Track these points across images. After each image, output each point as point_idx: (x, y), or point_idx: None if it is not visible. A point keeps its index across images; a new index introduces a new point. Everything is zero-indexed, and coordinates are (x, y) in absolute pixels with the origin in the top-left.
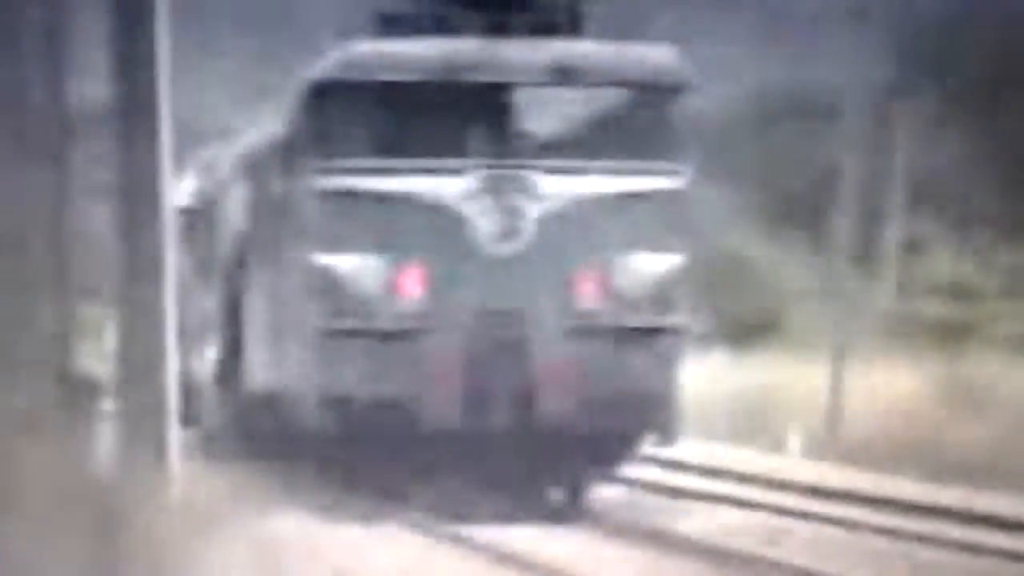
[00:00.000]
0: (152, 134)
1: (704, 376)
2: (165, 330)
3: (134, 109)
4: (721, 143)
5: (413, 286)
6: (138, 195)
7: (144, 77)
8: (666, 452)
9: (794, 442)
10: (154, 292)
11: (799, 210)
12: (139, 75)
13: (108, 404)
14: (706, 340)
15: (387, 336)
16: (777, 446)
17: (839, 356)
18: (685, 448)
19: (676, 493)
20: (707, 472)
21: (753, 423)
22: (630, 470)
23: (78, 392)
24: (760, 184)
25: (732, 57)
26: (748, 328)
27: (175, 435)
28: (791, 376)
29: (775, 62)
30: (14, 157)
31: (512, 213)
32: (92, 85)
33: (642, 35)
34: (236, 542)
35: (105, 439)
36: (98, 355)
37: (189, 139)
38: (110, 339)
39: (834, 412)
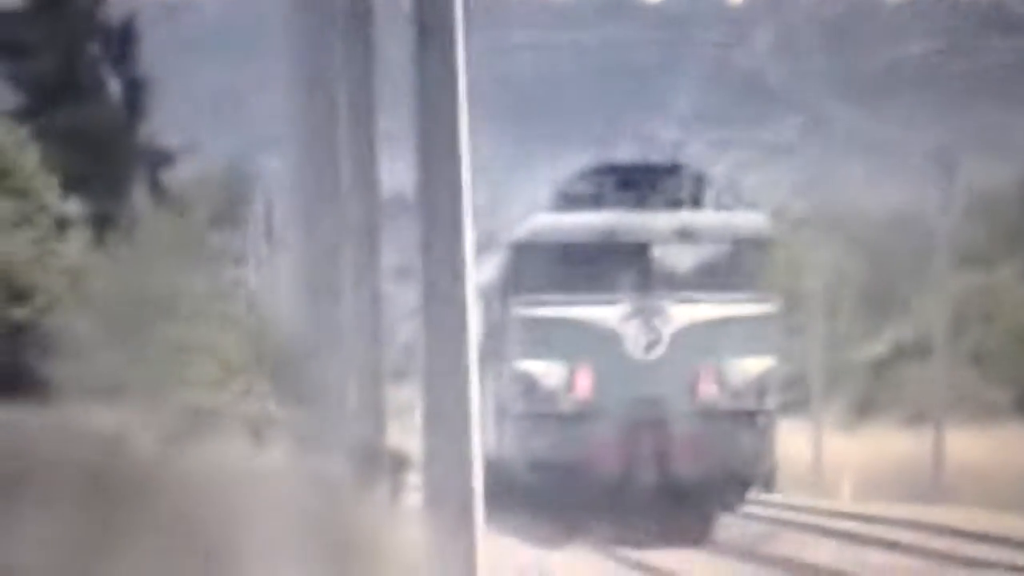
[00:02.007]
0: (455, 221)
1: (995, 445)
2: (469, 406)
3: (438, 197)
4: (1017, 216)
5: (584, 382)
6: (441, 278)
7: (448, 169)
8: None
9: None
10: (457, 371)
11: None
12: (443, 166)
13: (415, 477)
14: (1000, 412)
15: (566, 418)
16: None
17: None
18: (956, 515)
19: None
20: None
21: None
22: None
23: (388, 466)
24: None
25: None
26: None
27: (479, 504)
28: None
29: None
30: (333, 241)
31: (653, 331)
32: (401, 173)
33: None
34: None
35: (412, 511)
36: (408, 431)
37: None
38: (418, 416)
39: None
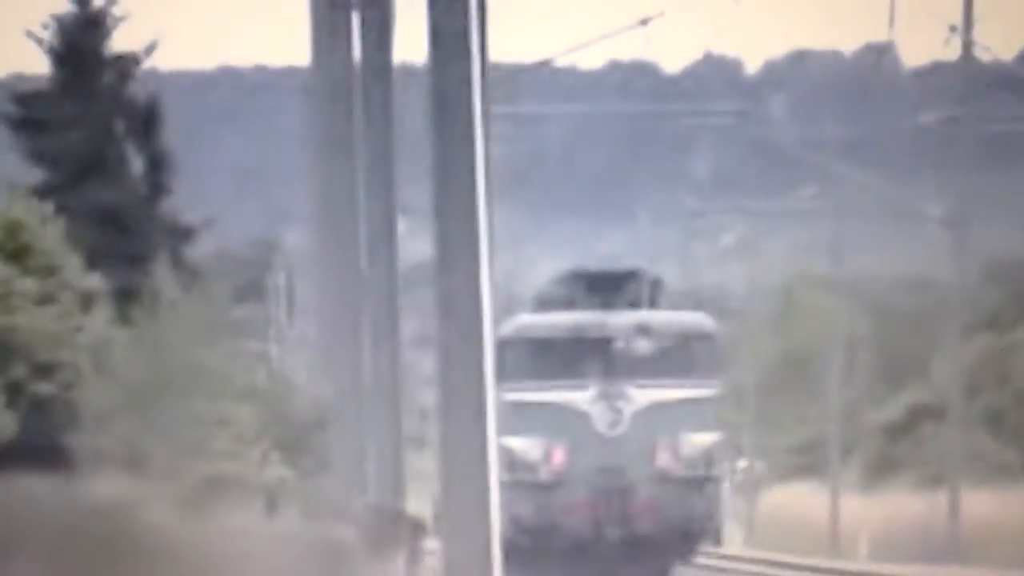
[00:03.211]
0: (474, 290)
1: (1010, 506)
2: (488, 472)
3: (457, 267)
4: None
5: (559, 455)
6: (460, 346)
7: (466, 239)
8: None
9: None
10: (477, 438)
11: None
12: (461, 237)
13: (433, 543)
14: (1014, 472)
15: (544, 486)
16: None
17: None
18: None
19: None
20: None
21: None
22: None
23: (406, 532)
24: None
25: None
26: None
27: (498, 569)
28: None
29: None
30: (353, 311)
31: (616, 411)
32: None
33: None
34: None
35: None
36: (426, 497)
37: None
38: (435, 482)
39: None
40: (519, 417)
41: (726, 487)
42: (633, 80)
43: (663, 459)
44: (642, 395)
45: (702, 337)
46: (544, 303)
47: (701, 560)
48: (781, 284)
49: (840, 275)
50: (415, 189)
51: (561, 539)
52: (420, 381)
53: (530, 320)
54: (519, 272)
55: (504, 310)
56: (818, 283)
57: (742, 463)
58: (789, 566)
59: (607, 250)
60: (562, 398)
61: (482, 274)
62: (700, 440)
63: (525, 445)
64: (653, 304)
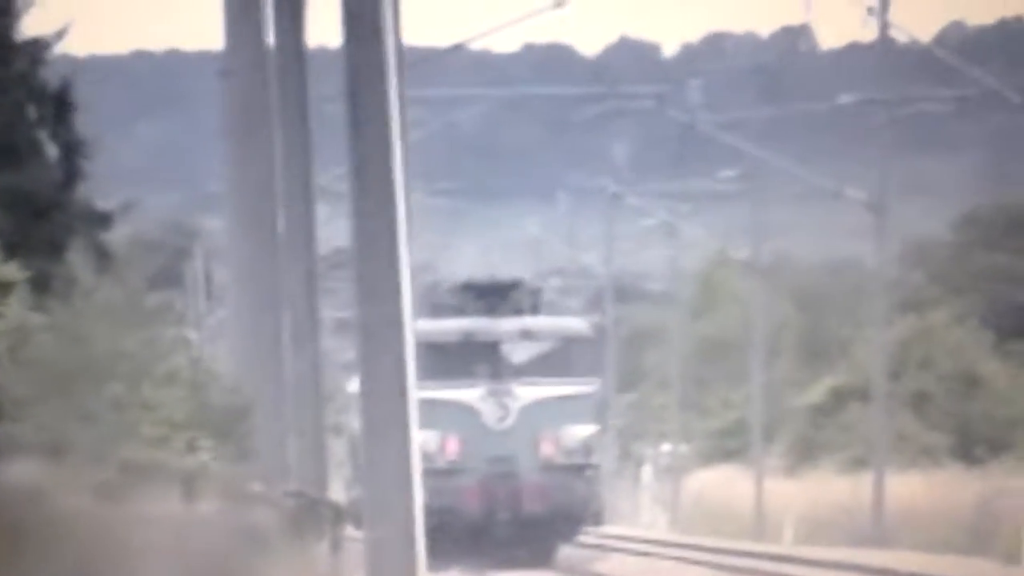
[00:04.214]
0: (392, 274)
1: (935, 489)
2: (410, 455)
3: (375, 251)
4: (950, 261)
5: (452, 446)
6: (380, 330)
7: (384, 223)
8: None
9: None
10: (398, 424)
11: None
12: (379, 221)
13: (351, 530)
14: (938, 455)
15: (440, 473)
16: (1012, 557)
17: None
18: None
19: None
20: None
21: (985, 534)
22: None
23: (328, 517)
24: (987, 299)
25: (955, 182)
26: (980, 441)
27: (423, 555)
28: None
29: (995, 183)
30: (272, 297)
31: (503, 407)
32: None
33: None
34: None
35: (351, 562)
36: (344, 484)
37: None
38: (354, 470)
39: None
40: (418, 412)
41: (648, 471)
42: (549, 64)
43: (546, 449)
44: (526, 392)
45: (581, 340)
46: (437, 310)
47: (626, 545)
48: (702, 267)
49: (761, 258)
50: (334, 174)
51: (456, 521)
52: (340, 367)
53: (425, 326)
54: (441, 258)
55: (428, 292)
56: (739, 266)
57: (666, 447)
58: (713, 550)
59: (528, 234)
60: (454, 396)
61: (401, 259)
62: (579, 432)
63: (422, 437)
64: (535, 310)
